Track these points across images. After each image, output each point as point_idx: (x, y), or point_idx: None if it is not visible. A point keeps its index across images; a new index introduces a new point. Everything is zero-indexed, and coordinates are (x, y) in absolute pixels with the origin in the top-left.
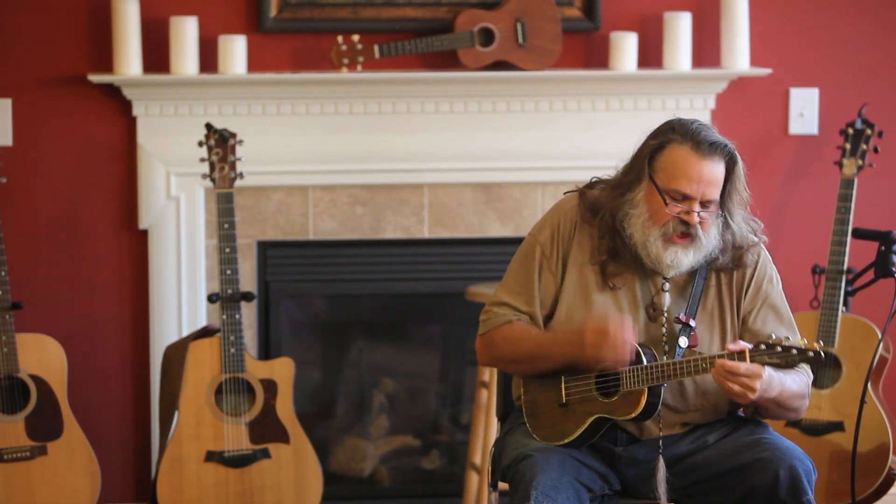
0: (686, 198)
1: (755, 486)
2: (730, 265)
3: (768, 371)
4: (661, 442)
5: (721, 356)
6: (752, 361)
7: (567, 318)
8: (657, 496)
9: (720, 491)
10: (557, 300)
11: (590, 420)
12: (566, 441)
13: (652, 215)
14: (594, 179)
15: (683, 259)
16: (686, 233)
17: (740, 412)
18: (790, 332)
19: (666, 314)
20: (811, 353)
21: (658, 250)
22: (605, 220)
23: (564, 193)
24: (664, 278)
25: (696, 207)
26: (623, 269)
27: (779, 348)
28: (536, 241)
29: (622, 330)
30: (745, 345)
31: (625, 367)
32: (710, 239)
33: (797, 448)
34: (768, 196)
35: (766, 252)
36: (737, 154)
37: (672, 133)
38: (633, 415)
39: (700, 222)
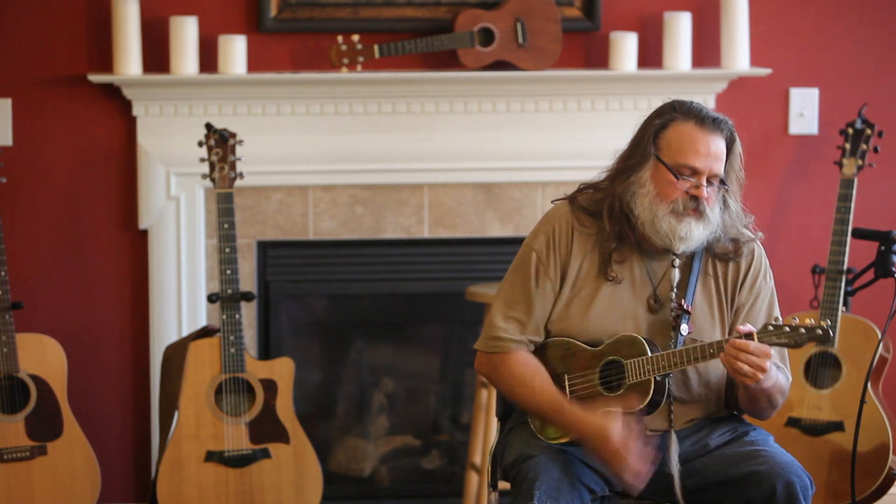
0: (694, 173)
1: (751, 498)
2: (727, 255)
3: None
4: (672, 428)
5: (727, 340)
6: (760, 342)
7: (581, 318)
8: (670, 469)
9: (717, 501)
10: (556, 304)
11: None
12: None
13: (660, 192)
14: (582, 186)
15: (695, 232)
16: (696, 208)
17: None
18: None
19: (675, 291)
20: (819, 331)
21: (671, 223)
22: (611, 206)
23: (552, 202)
24: (674, 254)
25: (704, 182)
26: (626, 256)
27: (787, 328)
28: (532, 249)
29: (638, 459)
30: (751, 328)
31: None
32: (714, 215)
33: (796, 463)
34: (768, 196)
35: (762, 248)
36: (735, 132)
37: (674, 112)
38: (641, 407)
39: (706, 198)
